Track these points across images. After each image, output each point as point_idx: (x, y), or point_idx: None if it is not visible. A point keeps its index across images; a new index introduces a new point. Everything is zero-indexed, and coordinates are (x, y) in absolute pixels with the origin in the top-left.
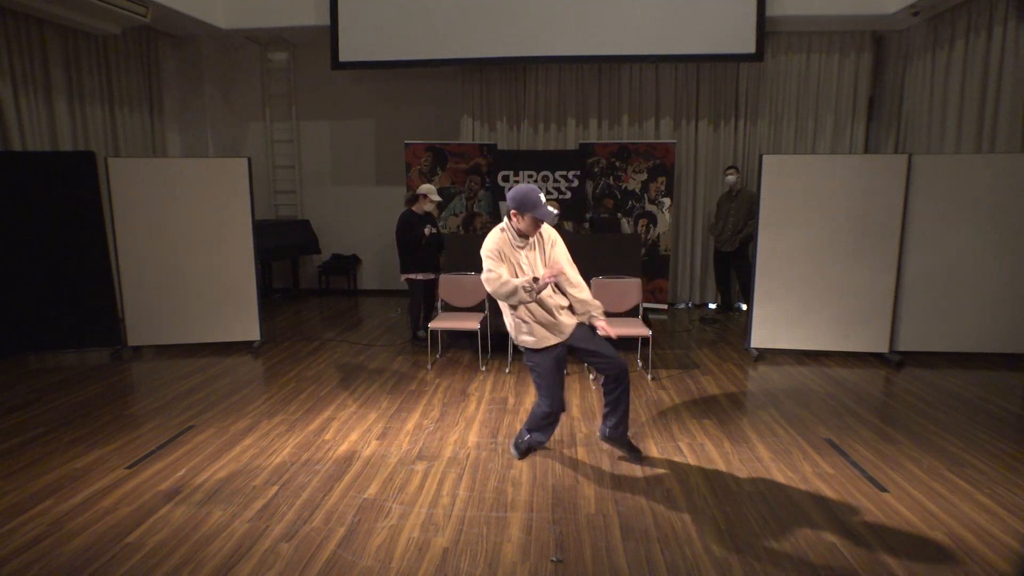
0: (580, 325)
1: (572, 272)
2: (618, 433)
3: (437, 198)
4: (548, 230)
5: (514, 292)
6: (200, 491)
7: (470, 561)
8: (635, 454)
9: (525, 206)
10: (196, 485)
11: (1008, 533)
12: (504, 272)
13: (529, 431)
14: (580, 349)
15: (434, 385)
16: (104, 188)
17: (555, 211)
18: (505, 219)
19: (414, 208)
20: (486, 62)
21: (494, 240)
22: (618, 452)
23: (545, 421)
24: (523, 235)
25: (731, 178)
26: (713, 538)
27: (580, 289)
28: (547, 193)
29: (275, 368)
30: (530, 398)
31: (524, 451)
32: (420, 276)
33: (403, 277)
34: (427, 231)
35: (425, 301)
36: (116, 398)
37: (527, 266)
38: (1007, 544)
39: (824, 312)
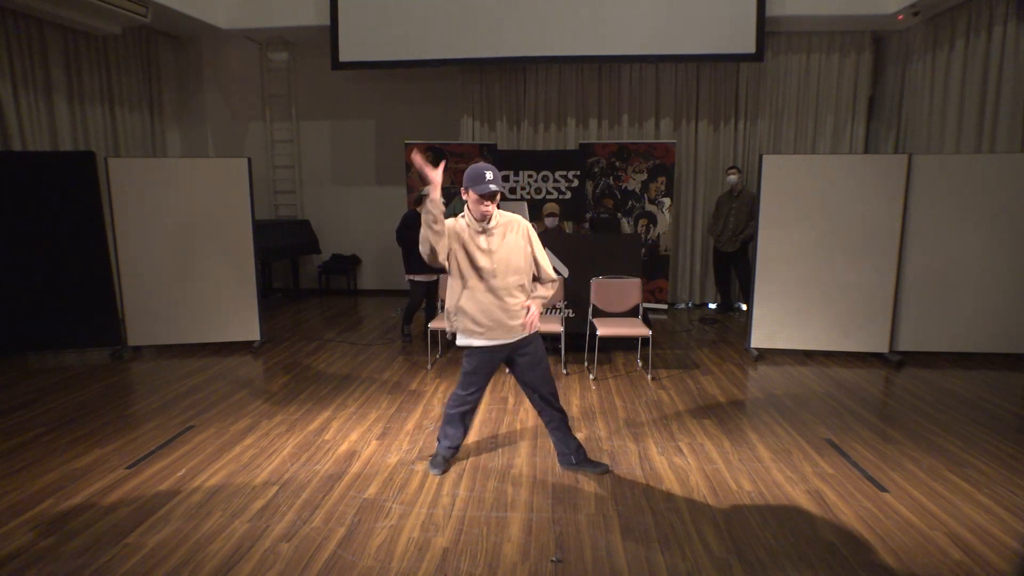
0: (531, 342)
1: (546, 266)
2: (582, 456)
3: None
4: (522, 223)
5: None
6: (200, 491)
7: (470, 561)
8: (602, 468)
9: (470, 181)
10: (196, 485)
11: (1008, 533)
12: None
13: (442, 438)
14: (520, 374)
15: (434, 385)
16: (104, 188)
17: (494, 186)
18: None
19: (418, 208)
20: (486, 62)
21: (459, 224)
22: (617, 452)
23: (459, 411)
24: (479, 219)
25: (733, 178)
26: (713, 538)
27: (548, 286)
28: (547, 193)
29: (275, 368)
30: None
31: (443, 463)
32: (420, 277)
33: (406, 277)
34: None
35: (427, 302)
36: (116, 398)
37: (482, 253)
38: (1007, 544)
39: (824, 312)
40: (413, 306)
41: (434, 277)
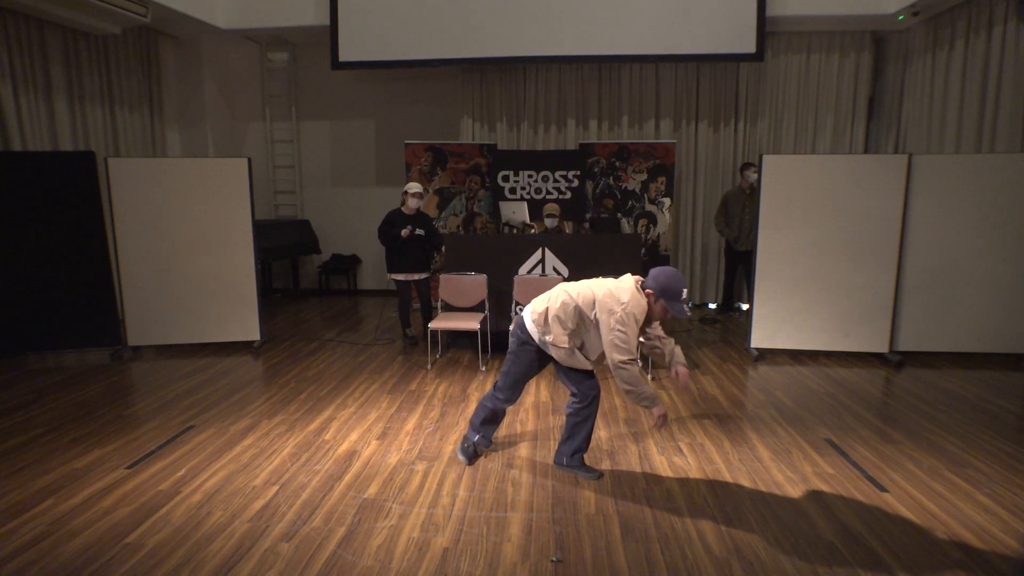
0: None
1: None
2: (575, 462)
3: (414, 190)
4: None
5: (647, 398)
6: (200, 491)
7: (470, 561)
8: (595, 475)
9: (667, 293)
10: (196, 485)
11: (1008, 533)
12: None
13: (477, 431)
14: (558, 369)
15: (434, 385)
16: (104, 188)
17: (689, 312)
18: (638, 288)
19: (403, 207)
20: (486, 62)
21: (638, 307)
22: (617, 452)
23: (495, 416)
24: (650, 319)
25: (755, 176)
26: (713, 538)
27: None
28: (547, 193)
29: (275, 368)
30: (530, 397)
31: (473, 455)
32: (402, 276)
33: (388, 276)
34: (404, 232)
35: (420, 301)
36: (116, 398)
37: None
38: (1007, 544)
39: (824, 312)
40: (404, 305)
41: (415, 276)
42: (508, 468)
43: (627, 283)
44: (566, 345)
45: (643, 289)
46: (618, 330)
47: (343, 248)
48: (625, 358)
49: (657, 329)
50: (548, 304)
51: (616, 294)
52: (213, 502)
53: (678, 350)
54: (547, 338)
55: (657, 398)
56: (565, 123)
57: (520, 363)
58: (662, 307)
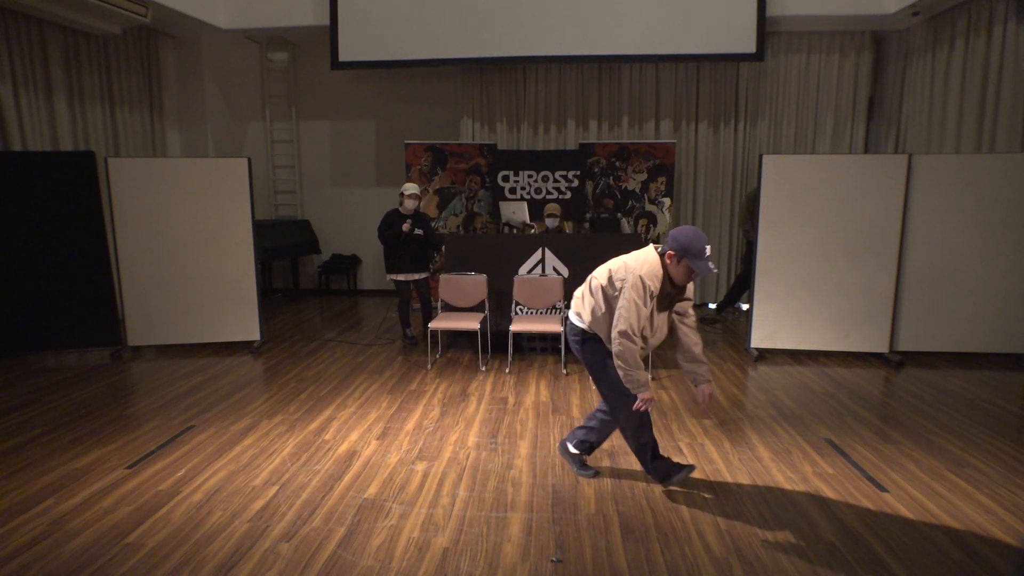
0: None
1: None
2: (578, 460)
3: (410, 191)
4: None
5: (633, 381)
6: (200, 491)
7: (470, 561)
8: (590, 472)
9: (688, 251)
10: (196, 485)
11: (1008, 533)
12: (639, 343)
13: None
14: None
15: (434, 385)
16: (104, 188)
17: (715, 268)
18: (655, 255)
19: (401, 209)
20: (486, 62)
21: (650, 272)
22: (617, 452)
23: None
24: (672, 282)
25: None
26: (713, 538)
27: (697, 340)
28: (547, 193)
29: (275, 368)
30: (530, 397)
31: (664, 472)
32: (402, 276)
33: (387, 277)
34: (405, 227)
35: (420, 301)
36: (116, 398)
37: (655, 317)
38: (1007, 544)
39: (824, 312)
40: (404, 305)
41: (414, 276)
42: (508, 468)
43: (646, 249)
44: (602, 326)
45: (664, 253)
46: (624, 299)
47: (343, 248)
48: (624, 328)
49: (690, 314)
50: (582, 291)
51: (628, 262)
52: (213, 502)
53: (703, 368)
54: (586, 321)
55: (647, 387)
56: (565, 123)
57: (600, 361)
58: (686, 267)
